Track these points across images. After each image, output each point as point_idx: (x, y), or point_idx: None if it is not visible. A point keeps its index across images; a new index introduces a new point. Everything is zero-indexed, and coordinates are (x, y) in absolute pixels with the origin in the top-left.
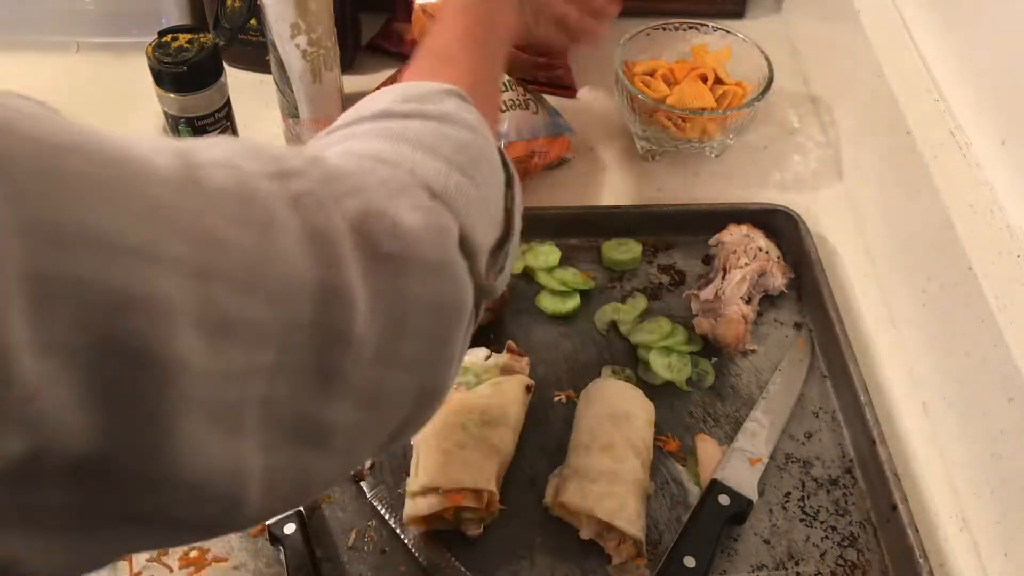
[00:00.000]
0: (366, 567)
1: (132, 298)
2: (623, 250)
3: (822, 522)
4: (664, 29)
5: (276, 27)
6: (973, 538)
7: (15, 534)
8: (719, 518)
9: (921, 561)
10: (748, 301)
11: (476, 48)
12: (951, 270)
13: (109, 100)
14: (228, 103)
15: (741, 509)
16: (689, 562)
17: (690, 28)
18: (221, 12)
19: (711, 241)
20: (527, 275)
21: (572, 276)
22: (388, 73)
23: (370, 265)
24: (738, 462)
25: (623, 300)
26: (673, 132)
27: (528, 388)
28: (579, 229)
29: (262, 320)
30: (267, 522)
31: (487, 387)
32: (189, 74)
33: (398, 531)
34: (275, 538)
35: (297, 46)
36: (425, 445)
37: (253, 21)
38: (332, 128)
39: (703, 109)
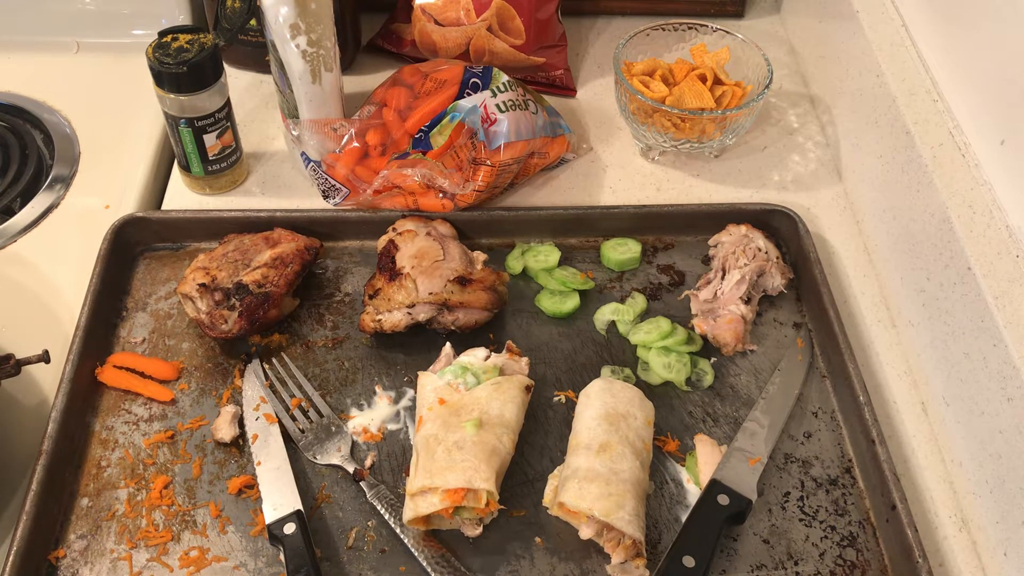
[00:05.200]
0: (366, 567)
1: None
2: (623, 250)
3: (821, 522)
4: (664, 29)
5: (276, 27)
6: (972, 538)
7: None
8: (718, 518)
9: (920, 561)
10: (747, 301)
11: None
12: (950, 270)
13: (109, 100)
14: (228, 103)
15: (740, 509)
16: (688, 562)
17: (690, 28)
18: (221, 12)
19: (710, 241)
20: (527, 275)
21: (571, 276)
22: (388, 73)
23: None
24: (737, 462)
25: (623, 300)
26: (672, 132)
27: (527, 388)
28: (579, 229)
29: None
30: (267, 522)
31: (487, 387)
32: (189, 74)
33: (398, 531)
34: (275, 538)
35: (297, 47)
36: (425, 446)
37: (253, 21)
38: None
39: (702, 109)
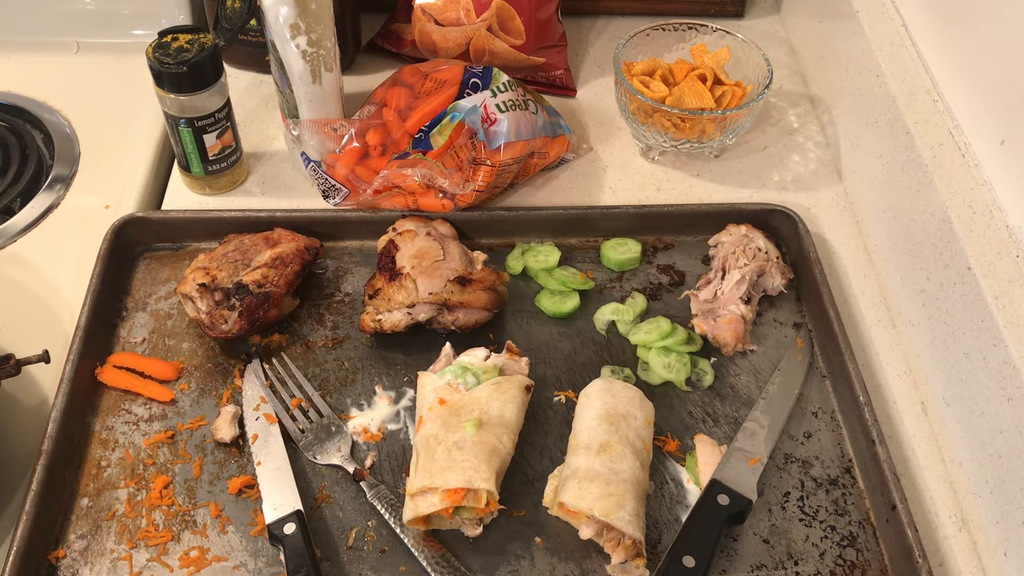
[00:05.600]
0: (366, 567)
1: None
2: (623, 250)
3: (821, 522)
4: (664, 29)
5: (276, 27)
6: (972, 538)
7: None
8: (718, 518)
9: (920, 561)
10: (747, 301)
11: None
12: (950, 270)
13: (109, 100)
14: (228, 103)
15: (740, 509)
16: (688, 562)
17: (690, 28)
18: (221, 12)
19: (710, 241)
20: (527, 275)
21: (571, 276)
22: (388, 73)
23: None
24: (737, 462)
25: (623, 300)
26: (672, 132)
27: (527, 388)
28: (579, 229)
29: None
30: (267, 522)
31: (487, 387)
32: (189, 74)
33: (398, 531)
34: (275, 538)
35: (297, 47)
36: (424, 446)
37: (253, 21)
38: None
39: (702, 109)
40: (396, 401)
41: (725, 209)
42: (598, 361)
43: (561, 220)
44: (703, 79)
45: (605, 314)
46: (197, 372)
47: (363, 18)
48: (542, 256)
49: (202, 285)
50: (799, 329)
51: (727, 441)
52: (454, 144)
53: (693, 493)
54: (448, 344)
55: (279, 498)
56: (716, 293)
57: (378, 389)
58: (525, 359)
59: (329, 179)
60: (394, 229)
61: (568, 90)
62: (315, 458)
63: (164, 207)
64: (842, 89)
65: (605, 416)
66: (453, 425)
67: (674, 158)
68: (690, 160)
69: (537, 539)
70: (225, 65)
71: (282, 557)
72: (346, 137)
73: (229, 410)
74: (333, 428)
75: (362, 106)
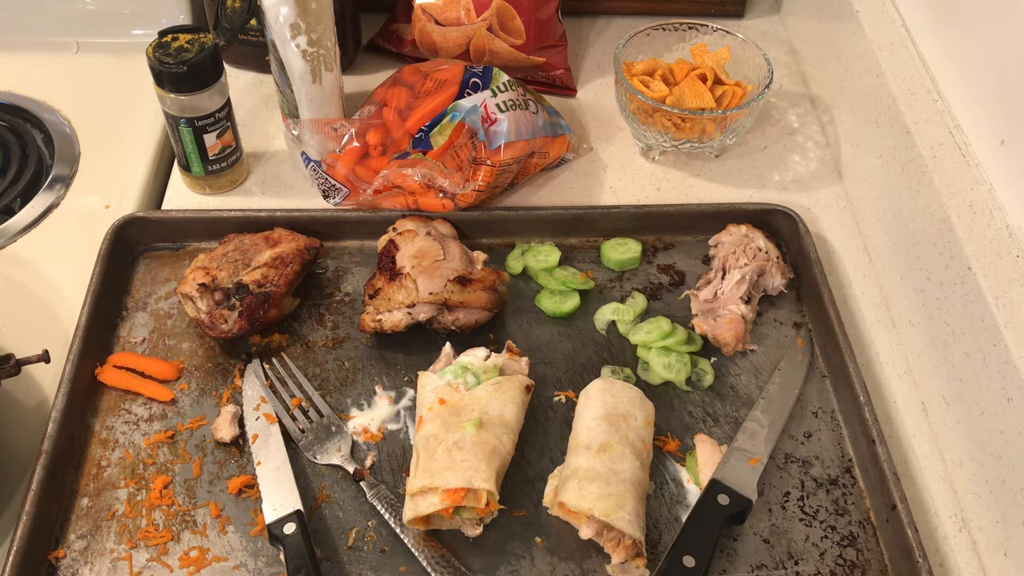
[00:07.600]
0: (366, 567)
1: None
2: (623, 250)
3: (821, 522)
4: (664, 29)
5: (276, 27)
6: (972, 538)
7: None
8: (718, 518)
9: (920, 560)
10: (747, 301)
11: None
12: (950, 270)
13: (109, 100)
14: (228, 103)
15: (740, 509)
16: (688, 562)
17: (690, 28)
18: (221, 12)
19: (711, 241)
20: (527, 275)
21: (572, 276)
22: (388, 73)
23: None
24: (737, 462)
25: (623, 300)
26: (673, 132)
27: (528, 388)
28: (579, 229)
29: None
30: (267, 522)
31: (487, 387)
32: (189, 74)
33: (398, 531)
34: (275, 538)
35: (297, 46)
36: (425, 446)
37: (253, 21)
38: None
39: (702, 109)
40: (396, 401)
41: (725, 209)
42: (598, 361)
43: (561, 220)
44: (703, 79)
45: (605, 314)
46: (197, 372)
47: (363, 18)
48: (542, 256)
49: (202, 285)
50: (799, 329)
51: (727, 441)
52: (454, 144)
53: (693, 493)
54: (448, 344)
55: (279, 498)
56: (716, 293)
57: (378, 389)
58: (525, 359)
59: (329, 179)
60: (394, 229)
61: (568, 90)
62: (315, 458)
63: (164, 207)
64: (842, 89)
65: (605, 416)
66: (453, 425)
67: (674, 158)
68: (690, 160)
69: (537, 539)
70: (225, 65)
71: (282, 557)
72: (346, 137)
73: (229, 410)
74: (333, 428)
75: (362, 106)
